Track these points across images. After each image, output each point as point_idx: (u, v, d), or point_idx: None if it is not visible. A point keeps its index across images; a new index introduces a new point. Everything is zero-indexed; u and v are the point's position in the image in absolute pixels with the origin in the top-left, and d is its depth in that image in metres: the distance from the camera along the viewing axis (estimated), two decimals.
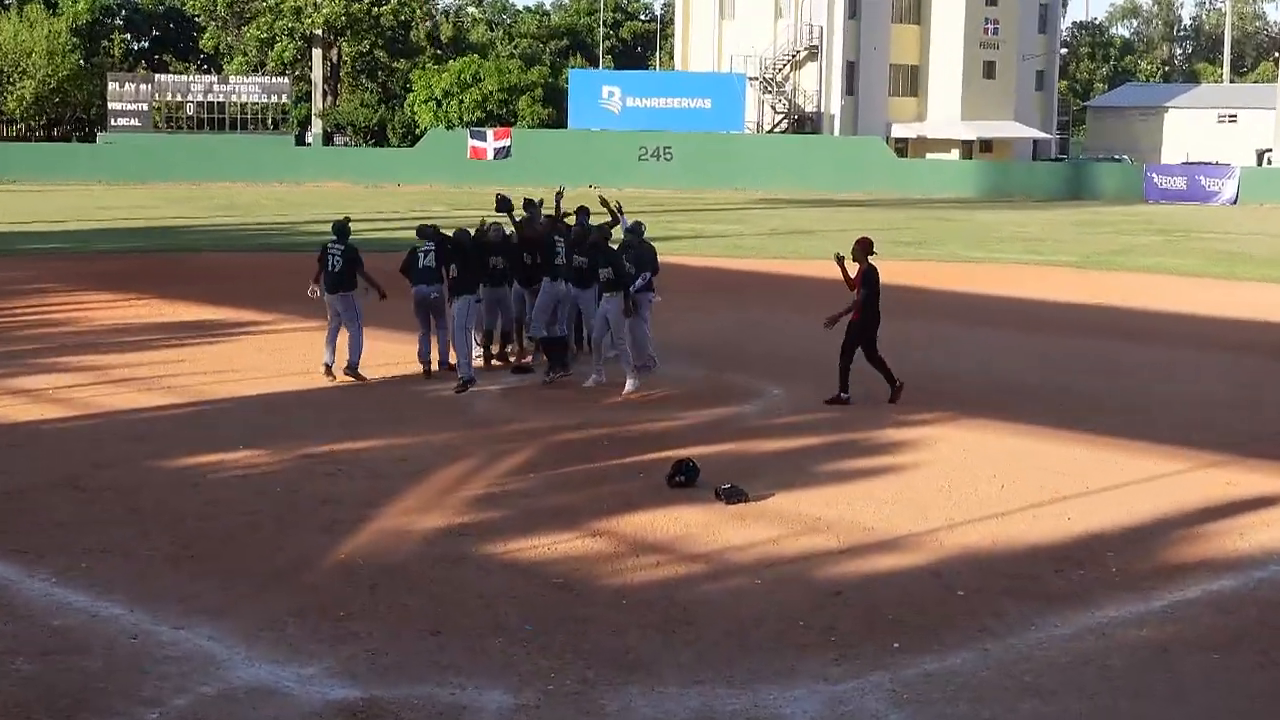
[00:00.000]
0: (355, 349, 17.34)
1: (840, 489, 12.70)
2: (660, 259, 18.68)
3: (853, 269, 16.26)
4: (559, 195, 19.58)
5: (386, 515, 11.67)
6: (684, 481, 12.54)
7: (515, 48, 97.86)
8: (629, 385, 16.79)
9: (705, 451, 13.67)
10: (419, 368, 17.90)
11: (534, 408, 16.16)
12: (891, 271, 31.58)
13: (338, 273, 17.39)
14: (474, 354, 17.63)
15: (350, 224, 17.80)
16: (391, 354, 19.09)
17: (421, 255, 17.41)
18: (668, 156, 68.04)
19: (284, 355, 19.03)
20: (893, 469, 13.53)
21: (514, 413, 15.92)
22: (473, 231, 17.69)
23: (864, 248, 16.18)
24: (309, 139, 77.63)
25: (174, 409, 15.86)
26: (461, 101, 74.15)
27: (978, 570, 10.47)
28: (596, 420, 15.47)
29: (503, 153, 67.51)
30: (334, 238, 17.54)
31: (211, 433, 14.63)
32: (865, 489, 12.73)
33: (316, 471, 13.04)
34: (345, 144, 78.50)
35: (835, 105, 74.92)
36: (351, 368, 17.32)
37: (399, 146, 74.65)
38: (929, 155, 75.52)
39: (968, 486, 12.90)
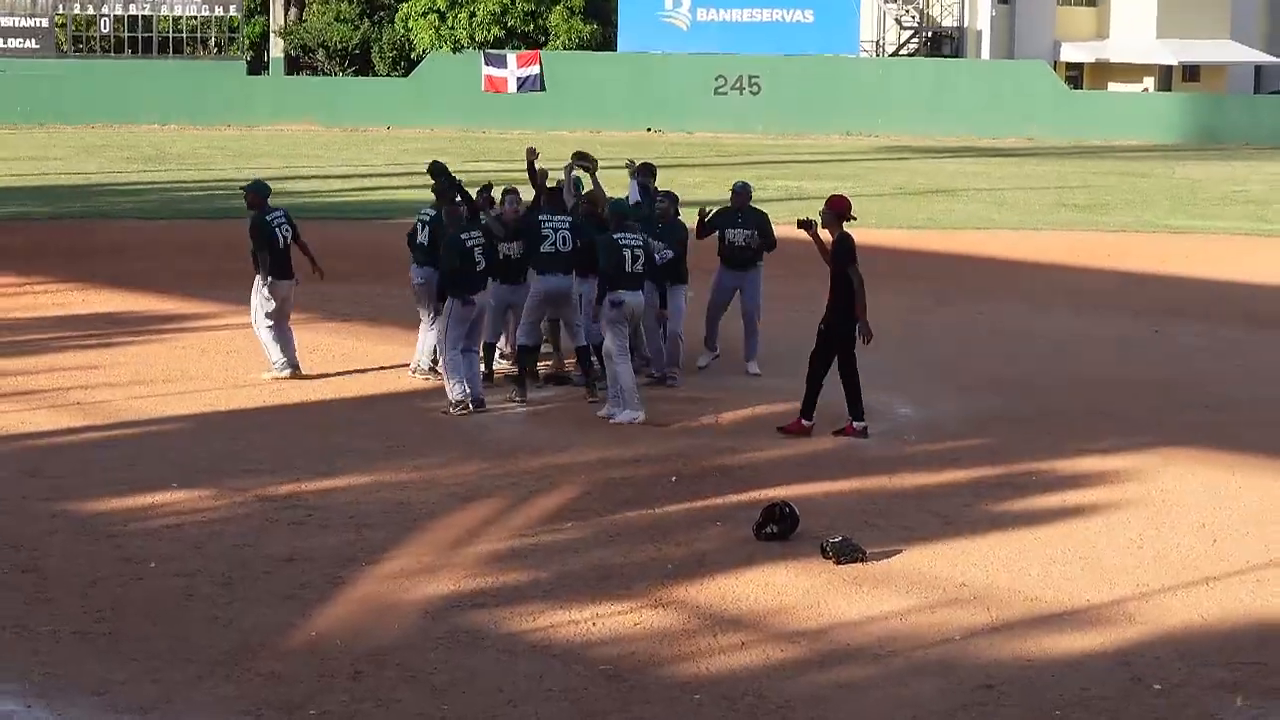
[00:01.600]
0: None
1: (992, 544, 12.66)
2: None
3: (826, 238, 15.85)
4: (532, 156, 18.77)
5: (373, 578, 11.71)
6: (777, 533, 12.54)
7: None
8: (621, 414, 16.50)
9: (806, 492, 13.66)
10: (413, 377, 18.15)
11: (574, 433, 16.16)
12: (1059, 246, 31.63)
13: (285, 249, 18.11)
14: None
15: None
16: (379, 358, 19.14)
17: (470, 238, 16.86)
18: (754, 89, 67.94)
19: (234, 359, 19.10)
20: (1064, 516, 13.47)
21: (547, 439, 15.93)
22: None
23: (836, 210, 15.78)
24: (265, 66, 78.04)
25: (84, 433, 15.93)
26: (473, 15, 74.35)
27: (1181, 656, 10.42)
28: (659, 451, 15.45)
29: (529, 83, 67.57)
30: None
31: (135, 466, 14.68)
32: (1026, 544, 12.68)
33: (278, 519, 13.09)
34: (315, 72, 78.86)
35: (984, 18, 74.57)
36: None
37: (388, 76, 74.92)
38: (1112, 86, 75.08)
39: (1167, 540, 12.83)
